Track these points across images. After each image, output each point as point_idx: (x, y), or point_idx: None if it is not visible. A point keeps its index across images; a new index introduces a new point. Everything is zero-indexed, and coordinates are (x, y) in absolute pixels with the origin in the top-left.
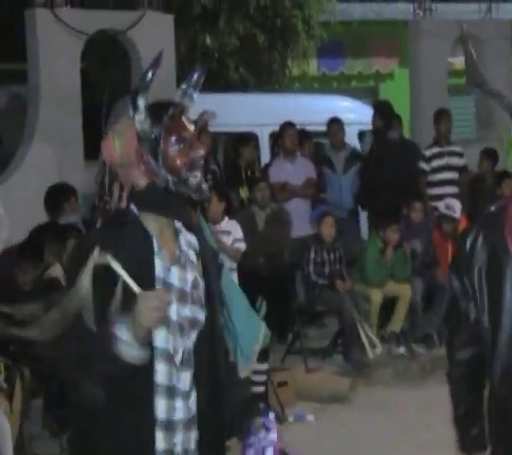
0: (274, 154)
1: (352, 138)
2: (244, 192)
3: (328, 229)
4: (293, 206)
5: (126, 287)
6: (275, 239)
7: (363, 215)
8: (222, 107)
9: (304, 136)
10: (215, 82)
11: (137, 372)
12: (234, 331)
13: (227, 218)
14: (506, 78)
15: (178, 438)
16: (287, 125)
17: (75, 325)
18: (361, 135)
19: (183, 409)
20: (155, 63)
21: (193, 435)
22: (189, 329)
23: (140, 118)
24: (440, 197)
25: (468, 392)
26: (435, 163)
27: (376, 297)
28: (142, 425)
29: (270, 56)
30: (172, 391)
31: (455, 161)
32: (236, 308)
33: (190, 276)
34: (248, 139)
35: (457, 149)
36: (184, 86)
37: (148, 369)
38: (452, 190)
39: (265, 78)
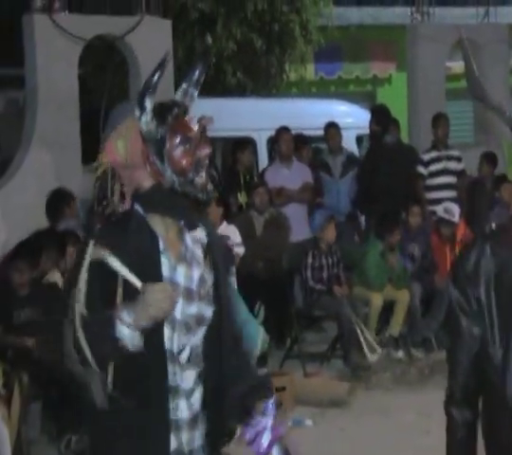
0: (271, 159)
1: (350, 143)
2: (242, 197)
3: (332, 233)
4: (290, 210)
5: (126, 284)
6: (273, 244)
7: (362, 219)
8: (219, 112)
9: (302, 140)
10: (213, 87)
11: (149, 372)
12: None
13: (225, 223)
14: (504, 82)
15: (184, 437)
16: (283, 130)
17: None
18: (359, 139)
19: (186, 407)
20: (162, 65)
21: (198, 434)
22: (195, 326)
23: (147, 119)
24: (438, 201)
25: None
26: (433, 167)
27: (377, 300)
28: (157, 425)
29: (268, 61)
30: (175, 391)
31: (453, 165)
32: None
33: (196, 273)
34: (246, 144)
35: (455, 153)
36: (185, 85)
37: (162, 368)
38: (450, 194)
39: (263, 82)
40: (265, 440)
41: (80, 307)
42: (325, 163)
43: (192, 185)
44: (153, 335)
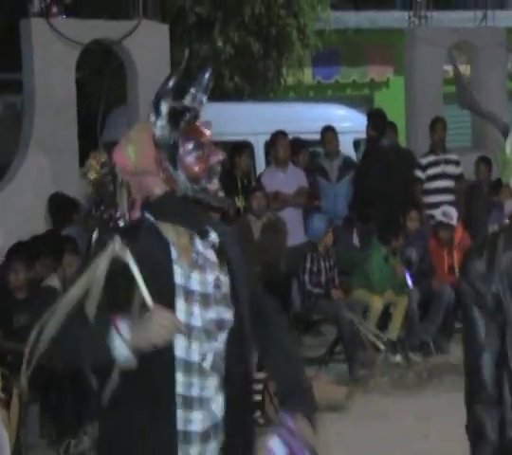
0: (267, 163)
1: (347, 147)
2: (239, 201)
3: (330, 237)
4: (285, 214)
5: (138, 297)
6: (271, 248)
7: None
8: (217, 116)
9: (299, 144)
10: (210, 91)
11: (159, 382)
12: None
13: None
14: (502, 85)
15: (194, 452)
16: (280, 134)
17: (74, 312)
18: (357, 143)
19: (200, 419)
20: (177, 69)
21: (211, 447)
22: (216, 331)
23: (162, 124)
24: (435, 205)
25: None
26: (431, 171)
27: (377, 304)
28: (162, 438)
29: (265, 65)
30: (188, 402)
31: (451, 169)
32: None
33: (210, 277)
34: (244, 148)
35: (453, 157)
36: (193, 91)
37: (170, 379)
38: (448, 198)
39: (260, 86)
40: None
41: (92, 303)
42: (321, 167)
43: (205, 192)
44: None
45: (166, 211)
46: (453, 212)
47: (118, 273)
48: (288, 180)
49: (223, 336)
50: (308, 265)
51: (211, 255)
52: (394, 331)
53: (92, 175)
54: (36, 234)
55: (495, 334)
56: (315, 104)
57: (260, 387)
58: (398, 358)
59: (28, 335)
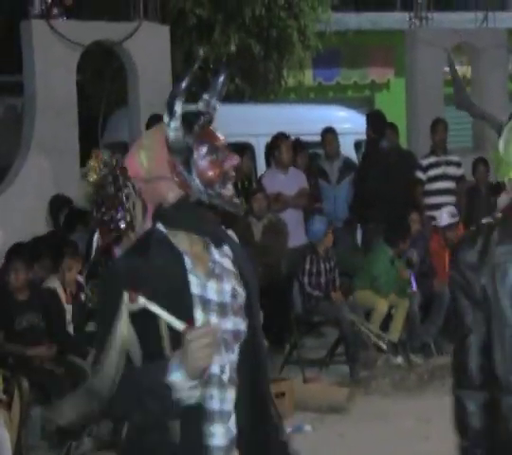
0: (268, 165)
1: (348, 148)
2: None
3: (330, 239)
4: (286, 216)
5: (169, 328)
6: (272, 249)
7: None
8: (218, 118)
9: (299, 146)
10: None
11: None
12: None
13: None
14: (503, 87)
15: None
16: (281, 136)
17: (126, 371)
18: (358, 145)
19: (223, 433)
20: (191, 70)
21: None
22: (233, 342)
23: (176, 125)
24: (436, 206)
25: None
26: (432, 172)
27: (383, 306)
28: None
29: (266, 66)
30: (211, 416)
31: (452, 171)
32: None
33: (227, 286)
34: (244, 150)
35: (454, 158)
36: (206, 97)
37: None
38: (449, 199)
39: (261, 88)
40: None
41: (137, 361)
42: (322, 169)
43: (219, 197)
44: None
45: (179, 219)
46: (456, 211)
47: (140, 318)
48: (289, 182)
49: (237, 348)
50: (308, 267)
51: (228, 264)
52: (396, 332)
53: (92, 176)
54: (37, 236)
55: (481, 322)
56: (316, 106)
57: None
58: (399, 360)
59: (30, 337)
